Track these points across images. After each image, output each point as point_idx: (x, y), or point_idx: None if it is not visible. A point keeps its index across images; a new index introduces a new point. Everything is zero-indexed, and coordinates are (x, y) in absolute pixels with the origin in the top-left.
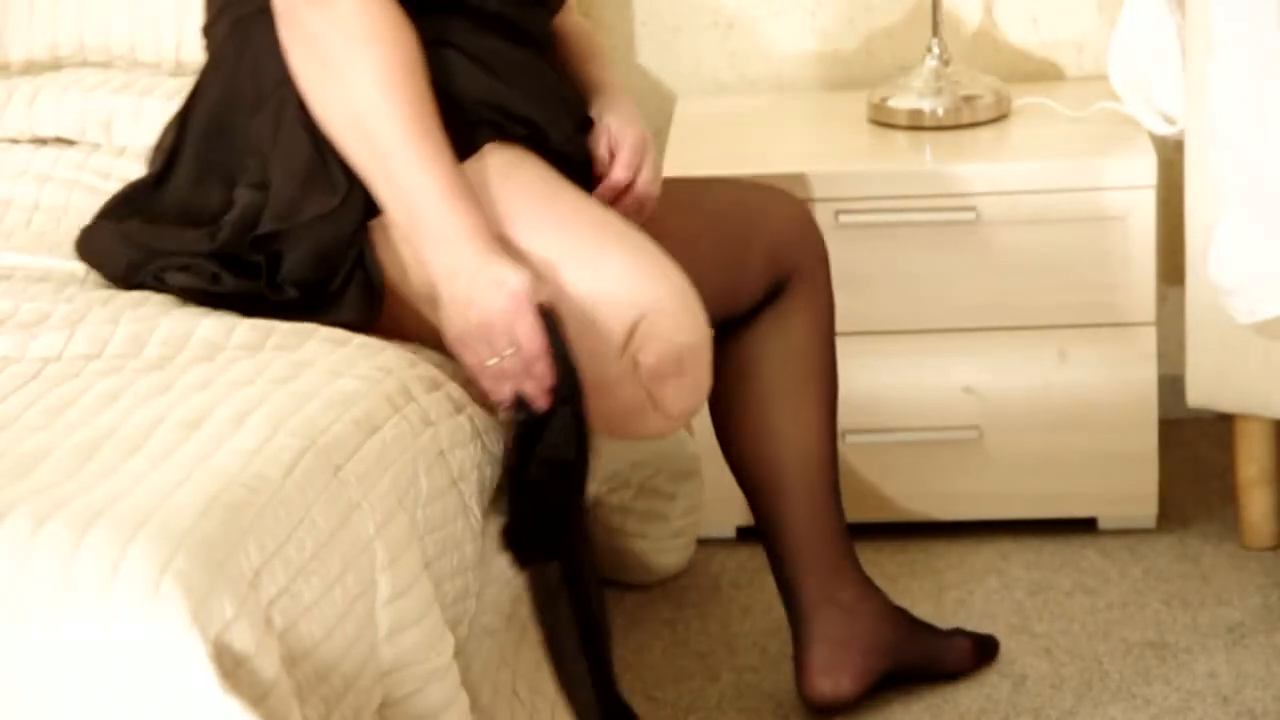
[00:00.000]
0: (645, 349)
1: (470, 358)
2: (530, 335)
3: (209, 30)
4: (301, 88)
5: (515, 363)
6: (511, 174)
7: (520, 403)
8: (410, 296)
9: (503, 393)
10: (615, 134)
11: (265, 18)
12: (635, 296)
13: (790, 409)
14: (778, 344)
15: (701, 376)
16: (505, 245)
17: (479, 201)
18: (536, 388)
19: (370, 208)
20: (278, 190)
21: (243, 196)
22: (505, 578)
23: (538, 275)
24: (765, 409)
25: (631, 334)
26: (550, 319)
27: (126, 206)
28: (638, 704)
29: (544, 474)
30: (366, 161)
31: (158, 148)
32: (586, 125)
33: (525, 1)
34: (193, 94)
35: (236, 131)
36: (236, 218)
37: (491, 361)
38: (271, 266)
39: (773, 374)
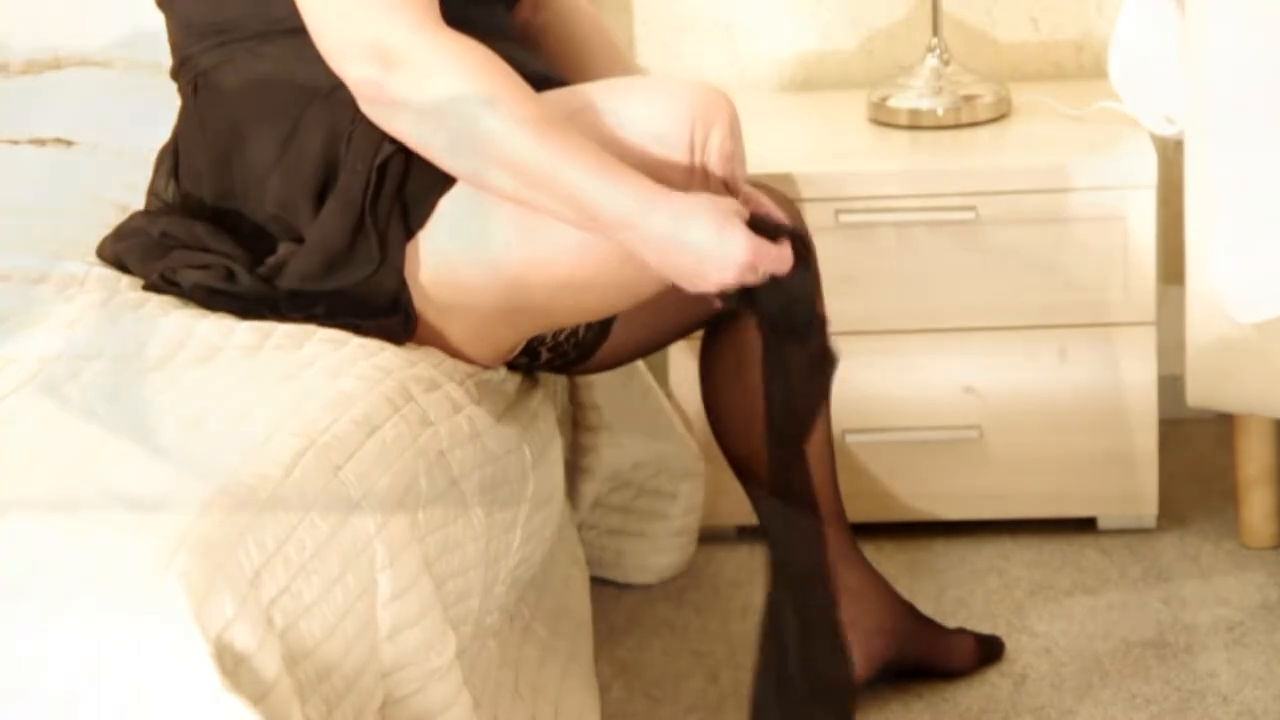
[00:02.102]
0: (709, 144)
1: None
2: (780, 262)
3: (175, 77)
4: (427, 154)
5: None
6: None
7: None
8: (421, 305)
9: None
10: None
11: (217, 75)
12: (678, 112)
13: None
14: None
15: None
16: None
17: (632, 168)
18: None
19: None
20: (308, 258)
21: (282, 250)
22: (511, 579)
23: (736, 202)
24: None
25: (691, 142)
26: (766, 224)
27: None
28: (637, 703)
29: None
30: (520, 186)
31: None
32: None
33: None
34: (175, 157)
35: (242, 204)
36: (275, 264)
37: None
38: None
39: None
